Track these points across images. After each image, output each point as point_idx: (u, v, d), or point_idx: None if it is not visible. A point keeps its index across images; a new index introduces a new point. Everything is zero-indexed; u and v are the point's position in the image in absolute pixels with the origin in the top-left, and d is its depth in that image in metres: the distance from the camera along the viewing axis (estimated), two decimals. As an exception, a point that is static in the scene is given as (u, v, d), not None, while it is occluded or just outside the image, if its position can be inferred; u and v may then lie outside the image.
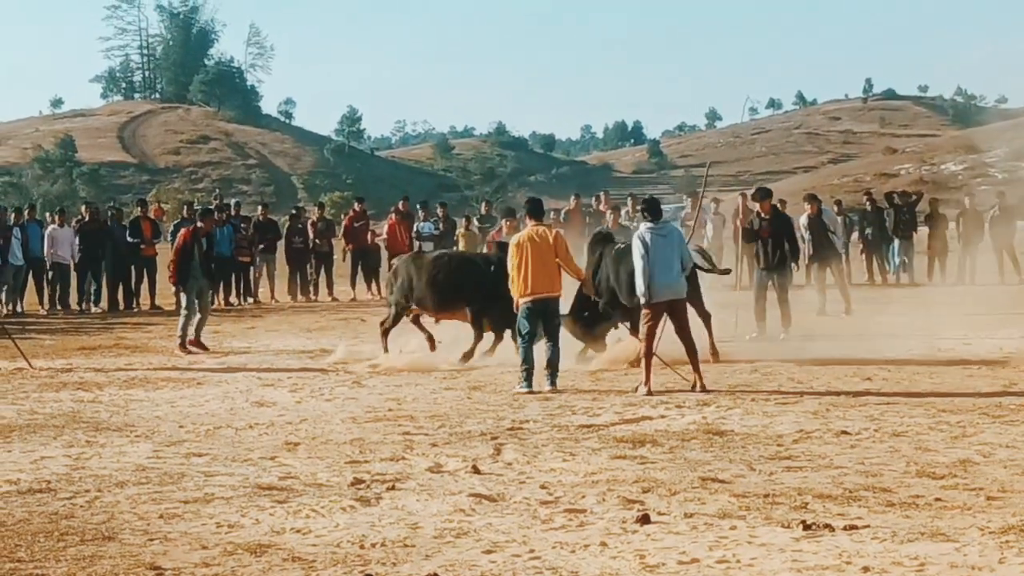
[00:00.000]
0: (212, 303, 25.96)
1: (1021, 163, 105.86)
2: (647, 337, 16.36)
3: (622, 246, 19.08)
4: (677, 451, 12.32)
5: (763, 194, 23.86)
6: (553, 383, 16.70)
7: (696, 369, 16.20)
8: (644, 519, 9.51)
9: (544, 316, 16.92)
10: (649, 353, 16.28)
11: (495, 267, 18.87)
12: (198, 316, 22.59)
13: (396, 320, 20.38)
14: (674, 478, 11.03)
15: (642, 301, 16.43)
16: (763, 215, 23.20)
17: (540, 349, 16.95)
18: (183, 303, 22.77)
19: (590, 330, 19.44)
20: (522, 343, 17.01)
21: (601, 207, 32.31)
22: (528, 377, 16.69)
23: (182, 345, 22.41)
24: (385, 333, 20.39)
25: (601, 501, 10.24)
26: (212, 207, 31.80)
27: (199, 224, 23.65)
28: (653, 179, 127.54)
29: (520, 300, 16.94)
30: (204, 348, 22.44)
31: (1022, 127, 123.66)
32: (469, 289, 19.59)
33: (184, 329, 22.51)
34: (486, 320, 19.63)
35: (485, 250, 26.41)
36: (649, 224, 16.48)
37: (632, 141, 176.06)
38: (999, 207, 36.47)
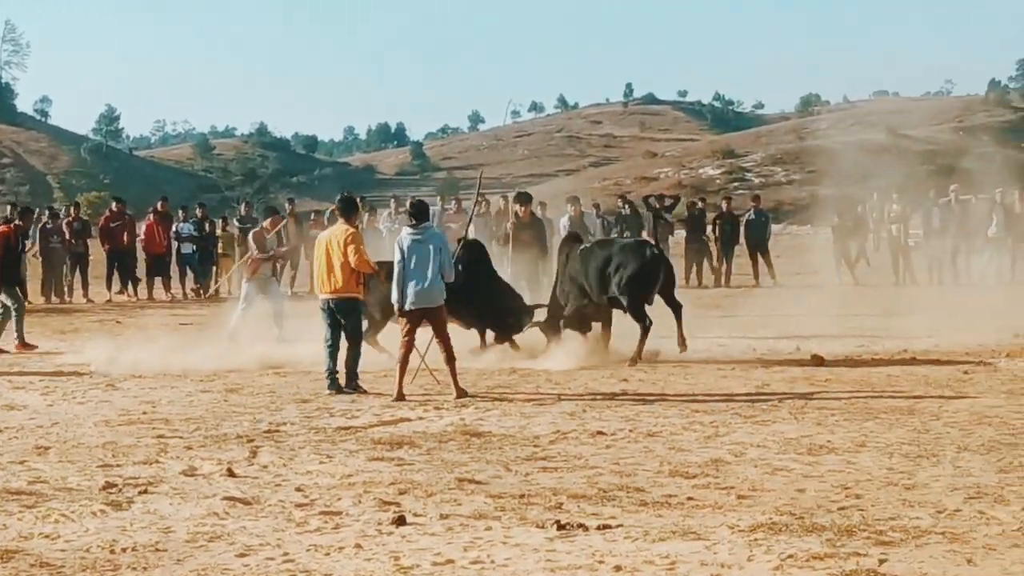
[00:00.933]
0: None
1: (777, 168, 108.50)
2: (403, 345, 16.24)
3: (587, 245, 19.95)
4: (434, 453, 12.33)
5: (523, 198, 24.07)
6: (347, 386, 16.54)
7: (453, 376, 16.11)
8: (400, 521, 9.48)
9: (333, 317, 16.69)
10: (404, 360, 16.17)
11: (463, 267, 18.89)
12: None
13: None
14: (431, 479, 11.03)
15: (395, 308, 16.34)
16: (522, 218, 23.41)
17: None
18: (10, 301, 22.22)
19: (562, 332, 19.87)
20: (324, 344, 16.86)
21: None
22: (329, 376, 16.64)
23: (22, 343, 21.96)
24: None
25: (357, 503, 10.19)
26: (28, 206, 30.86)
27: (18, 222, 23.39)
28: (416, 181, 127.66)
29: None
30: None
31: (778, 132, 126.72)
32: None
33: (21, 325, 22.10)
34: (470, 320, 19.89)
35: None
36: (410, 229, 16.29)
37: (395, 143, 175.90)
38: (754, 210, 37.33)
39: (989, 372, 17.65)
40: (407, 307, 16.04)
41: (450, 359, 16.08)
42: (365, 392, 16.43)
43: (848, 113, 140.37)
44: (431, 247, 16.04)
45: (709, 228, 37.05)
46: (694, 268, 36.35)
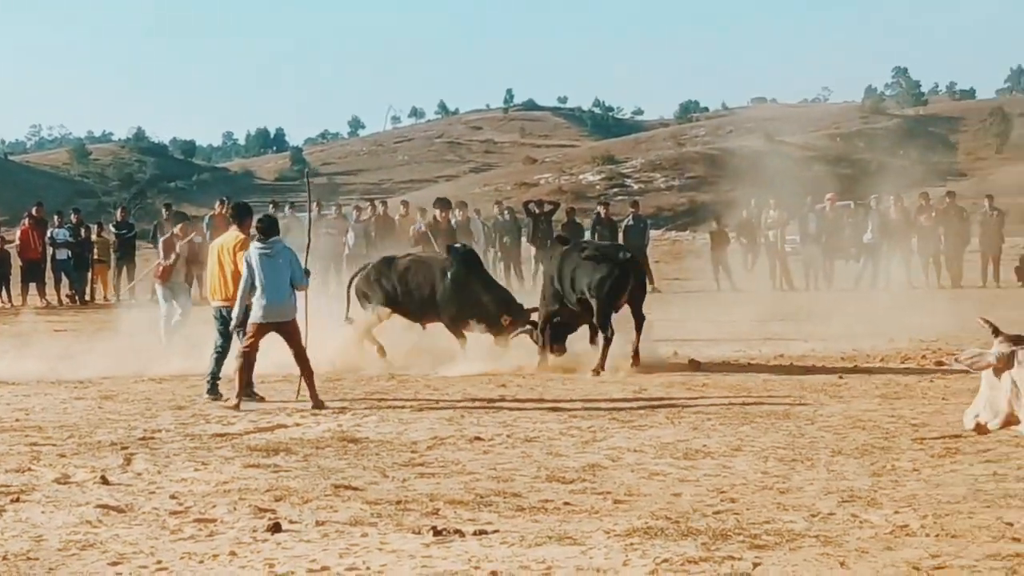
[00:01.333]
0: None
1: (656, 174, 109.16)
2: (245, 353, 16.00)
3: (567, 248, 19.77)
4: (311, 459, 12.25)
5: (443, 204, 24.19)
6: (209, 391, 16.40)
7: (311, 388, 15.88)
8: (275, 528, 9.41)
9: (225, 324, 16.50)
10: (246, 368, 15.95)
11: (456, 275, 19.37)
12: None
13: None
14: (307, 486, 10.96)
15: (238, 321, 16.15)
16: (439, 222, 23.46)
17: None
18: None
19: (555, 339, 19.70)
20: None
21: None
22: (211, 382, 16.54)
23: None
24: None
25: (232, 510, 10.10)
26: None
27: None
28: (296, 186, 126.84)
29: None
30: None
31: (657, 139, 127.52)
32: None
33: None
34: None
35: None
36: (258, 244, 16.03)
37: (274, 148, 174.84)
38: (633, 216, 37.55)
39: (863, 377, 17.87)
40: (260, 321, 15.83)
41: (307, 371, 15.86)
42: (263, 399, 16.26)
43: (727, 120, 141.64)
44: (281, 261, 15.83)
45: (588, 234, 37.17)
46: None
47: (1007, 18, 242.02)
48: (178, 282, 22.60)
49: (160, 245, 23.19)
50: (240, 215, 17.02)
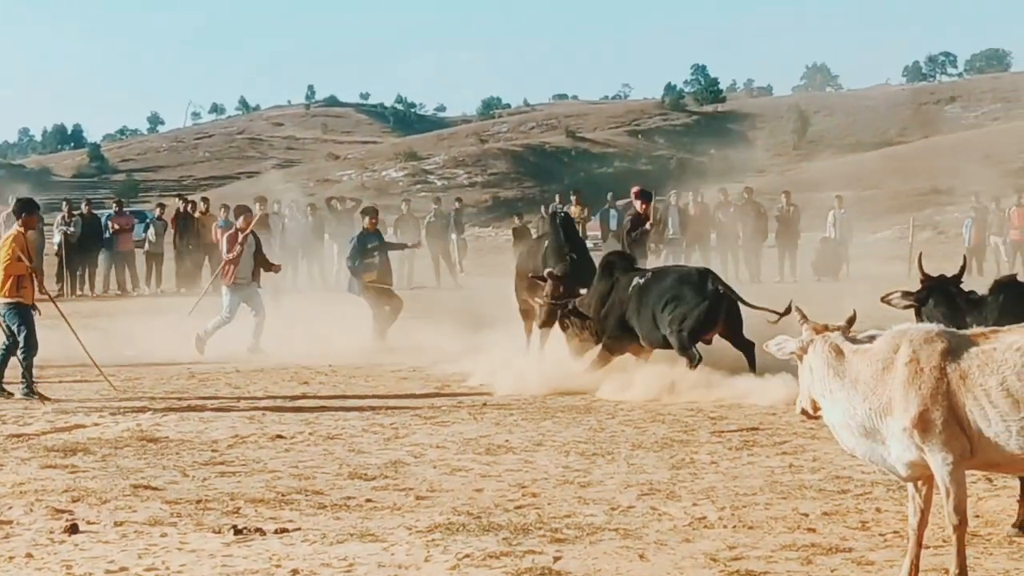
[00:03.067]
0: None
1: (459, 170, 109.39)
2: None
3: (642, 280, 16.90)
4: (109, 459, 12.07)
5: (370, 212, 23.71)
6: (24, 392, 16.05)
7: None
8: (72, 529, 9.26)
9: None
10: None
11: None
12: None
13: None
14: (105, 486, 10.80)
15: None
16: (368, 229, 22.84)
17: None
18: None
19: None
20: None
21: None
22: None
23: None
24: None
25: (29, 512, 9.92)
26: None
27: None
28: (94, 183, 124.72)
29: None
30: None
31: (460, 135, 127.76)
32: None
33: None
34: None
35: None
36: None
37: (72, 145, 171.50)
38: (435, 212, 37.63)
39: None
40: None
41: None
42: (46, 398, 15.94)
43: (529, 116, 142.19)
44: None
45: (391, 231, 37.12)
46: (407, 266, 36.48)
47: (802, 15, 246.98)
48: (244, 281, 21.03)
49: (223, 240, 21.80)
50: (20, 210, 16.63)
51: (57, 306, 17.50)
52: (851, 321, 7.83)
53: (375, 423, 14.01)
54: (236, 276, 20.82)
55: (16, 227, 16.37)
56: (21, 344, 16.04)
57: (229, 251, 20.98)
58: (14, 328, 16.06)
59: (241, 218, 21.68)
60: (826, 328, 7.81)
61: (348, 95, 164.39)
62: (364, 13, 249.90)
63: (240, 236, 20.98)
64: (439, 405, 15.28)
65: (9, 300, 16.05)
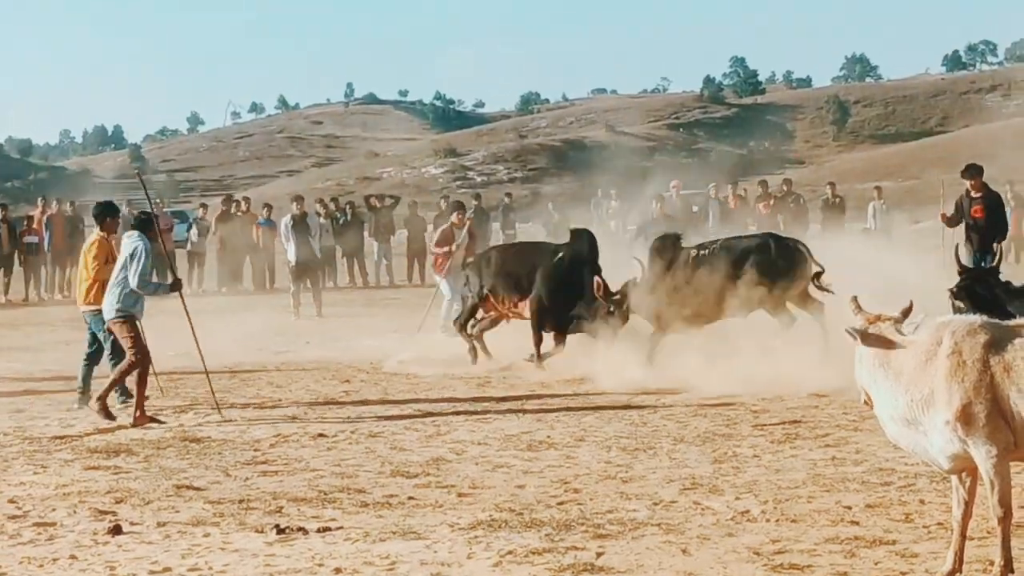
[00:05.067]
0: None
1: (499, 166, 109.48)
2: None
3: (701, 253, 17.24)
4: (152, 460, 12.10)
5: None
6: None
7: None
8: (116, 530, 9.30)
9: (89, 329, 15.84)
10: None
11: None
12: None
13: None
14: (148, 487, 10.83)
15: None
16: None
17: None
18: None
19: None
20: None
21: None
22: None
23: None
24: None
25: (72, 514, 9.96)
26: None
27: None
28: (135, 185, 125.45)
29: None
30: None
31: (499, 131, 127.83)
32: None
33: None
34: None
35: None
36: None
37: (113, 146, 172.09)
38: (475, 209, 37.62)
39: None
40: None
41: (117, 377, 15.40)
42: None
43: (567, 111, 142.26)
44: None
45: (430, 227, 37.16)
46: (415, 265, 36.52)
47: (841, 5, 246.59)
48: (457, 270, 20.99)
49: (437, 233, 22.43)
50: (99, 216, 16.08)
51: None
52: (906, 312, 7.79)
53: (417, 420, 14.01)
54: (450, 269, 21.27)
55: (97, 232, 16.04)
56: (108, 351, 15.70)
57: (445, 245, 21.54)
58: (100, 335, 15.67)
59: (455, 214, 22.23)
60: (878, 319, 7.78)
61: (387, 92, 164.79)
62: (401, 10, 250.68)
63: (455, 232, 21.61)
64: (480, 401, 15.27)
65: (95, 307, 15.40)
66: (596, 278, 17.18)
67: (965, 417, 7.28)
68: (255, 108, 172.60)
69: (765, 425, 13.11)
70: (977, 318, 7.72)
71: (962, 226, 20.68)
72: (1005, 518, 7.43)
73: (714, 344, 16.74)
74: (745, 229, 31.68)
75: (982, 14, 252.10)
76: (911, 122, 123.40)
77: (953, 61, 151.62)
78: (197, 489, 10.79)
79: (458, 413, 14.44)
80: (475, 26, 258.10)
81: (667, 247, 17.43)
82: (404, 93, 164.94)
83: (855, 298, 8.00)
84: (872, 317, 7.80)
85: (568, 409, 14.50)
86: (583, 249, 17.96)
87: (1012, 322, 7.78)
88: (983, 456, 7.31)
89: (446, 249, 21.38)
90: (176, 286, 15.45)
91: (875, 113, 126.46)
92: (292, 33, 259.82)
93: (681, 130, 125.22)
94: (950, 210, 21.40)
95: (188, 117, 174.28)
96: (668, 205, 33.60)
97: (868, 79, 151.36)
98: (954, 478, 7.70)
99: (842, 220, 36.06)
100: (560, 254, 18.22)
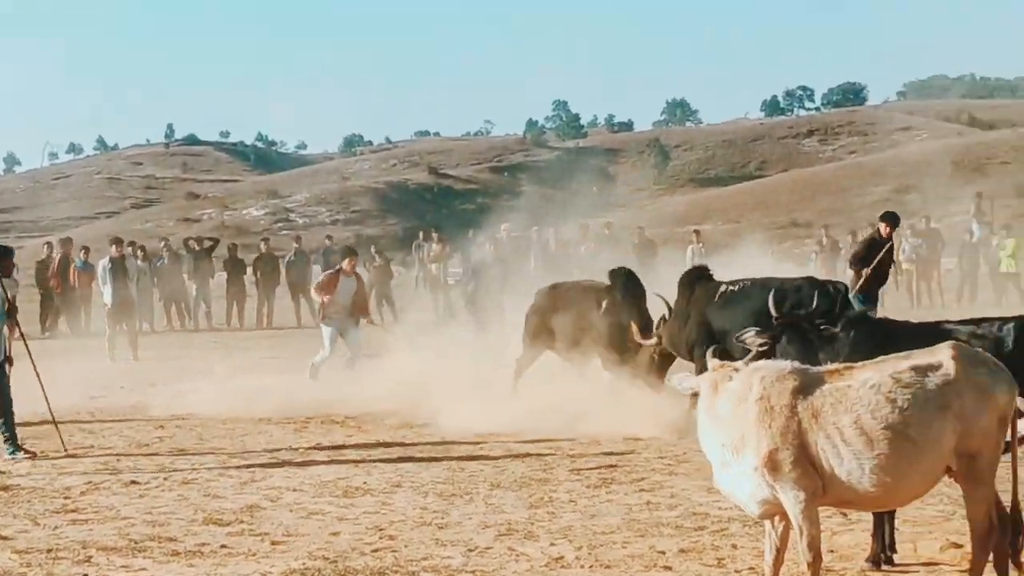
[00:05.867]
0: None
1: (321, 208, 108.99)
2: None
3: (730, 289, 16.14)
4: (-42, 509, 11.81)
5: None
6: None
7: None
8: (-84, 584, 9.04)
9: None
10: None
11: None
12: None
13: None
14: (-49, 538, 10.55)
15: None
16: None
17: None
18: None
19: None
20: None
21: None
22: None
23: None
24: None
25: None
26: None
27: None
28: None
29: None
30: None
31: (322, 173, 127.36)
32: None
33: None
34: None
35: None
36: None
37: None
38: (295, 252, 37.41)
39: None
40: None
41: None
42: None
43: (391, 153, 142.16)
44: None
45: (250, 270, 36.86)
46: (235, 307, 36.19)
47: (662, 51, 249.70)
48: (338, 317, 20.98)
49: (322, 278, 22.00)
50: None
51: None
52: (754, 358, 7.90)
53: (231, 466, 13.84)
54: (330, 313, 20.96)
55: None
56: None
57: (325, 291, 21.12)
58: None
59: (347, 260, 21.71)
60: (723, 367, 7.87)
61: (208, 133, 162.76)
62: (222, 50, 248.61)
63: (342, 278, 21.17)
64: (296, 448, 15.12)
65: None
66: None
67: (772, 463, 7.37)
68: (73, 148, 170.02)
69: (582, 469, 13.16)
70: (787, 364, 7.84)
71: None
72: (814, 563, 7.54)
73: (539, 386, 16.81)
74: (568, 273, 31.89)
75: (800, 61, 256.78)
76: (731, 166, 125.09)
77: (772, 106, 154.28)
78: (4, 538, 10.53)
79: (274, 459, 14.29)
80: (298, 68, 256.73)
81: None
82: (226, 134, 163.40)
83: (713, 348, 8.11)
84: (718, 365, 7.88)
85: (385, 454, 14.42)
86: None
87: (821, 369, 7.90)
88: (791, 501, 7.40)
89: (328, 296, 21.00)
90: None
91: (695, 157, 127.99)
92: (111, 73, 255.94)
93: (505, 173, 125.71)
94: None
95: (4, 157, 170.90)
96: (501, 247, 33.75)
97: (688, 123, 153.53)
98: (767, 523, 7.79)
99: (654, 263, 36.39)
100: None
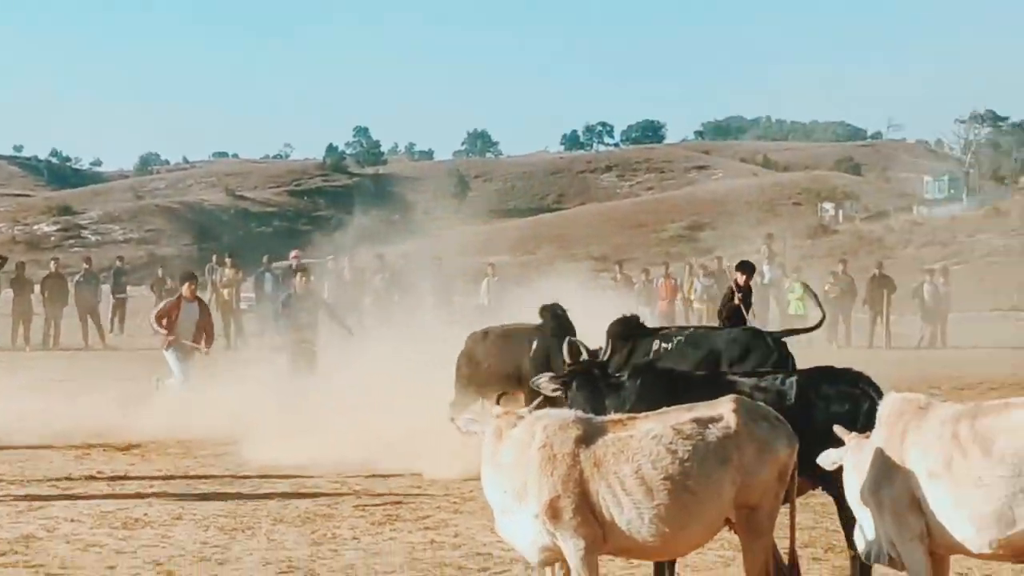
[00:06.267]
0: None
1: (114, 226, 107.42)
2: None
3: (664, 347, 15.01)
4: None
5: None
6: None
7: None
8: None
9: None
10: None
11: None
12: None
13: None
14: None
15: None
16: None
17: None
18: None
19: None
20: None
21: None
22: None
23: None
24: None
25: None
26: None
27: None
28: None
29: None
30: None
31: (116, 190, 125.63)
32: None
33: None
34: None
35: None
36: None
37: None
38: (84, 272, 36.79)
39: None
40: None
41: None
42: None
43: (188, 173, 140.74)
44: None
45: (38, 288, 36.10)
46: (20, 326, 35.42)
47: (464, 81, 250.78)
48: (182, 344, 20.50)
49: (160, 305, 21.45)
50: None
51: None
52: (539, 406, 7.93)
53: (9, 494, 13.49)
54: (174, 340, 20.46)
55: None
56: None
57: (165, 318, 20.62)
58: None
59: (186, 285, 21.14)
60: (507, 414, 7.86)
61: (1, 147, 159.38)
62: (15, 62, 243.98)
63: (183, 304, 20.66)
64: (76, 478, 14.78)
65: None
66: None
67: (553, 510, 7.39)
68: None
69: (367, 506, 13.06)
70: (570, 413, 7.87)
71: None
72: (594, 609, 7.55)
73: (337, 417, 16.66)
74: (359, 303, 31.76)
75: (600, 97, 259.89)
76: (530, 198, 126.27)
77: (571, 140, 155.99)
78: None
79: (53, 487, 13.97)
80: (93, 83, 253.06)
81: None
82: (19, 148, 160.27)
83: (501, 395, 8.14)
84: (502, 412, 7.87)
85: (168, 486, 14.18)
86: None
87: (604, 418, 7.94)
88: (571, 549, 7.42)
89: (167, 324, 20.53)
90: None
91: (495, 188, 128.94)
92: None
93: (304, 197, 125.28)
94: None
95: None
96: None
97: (489, 155, 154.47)
98: (547, 570, 7.80)
99: (449, 296, 36.37)
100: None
